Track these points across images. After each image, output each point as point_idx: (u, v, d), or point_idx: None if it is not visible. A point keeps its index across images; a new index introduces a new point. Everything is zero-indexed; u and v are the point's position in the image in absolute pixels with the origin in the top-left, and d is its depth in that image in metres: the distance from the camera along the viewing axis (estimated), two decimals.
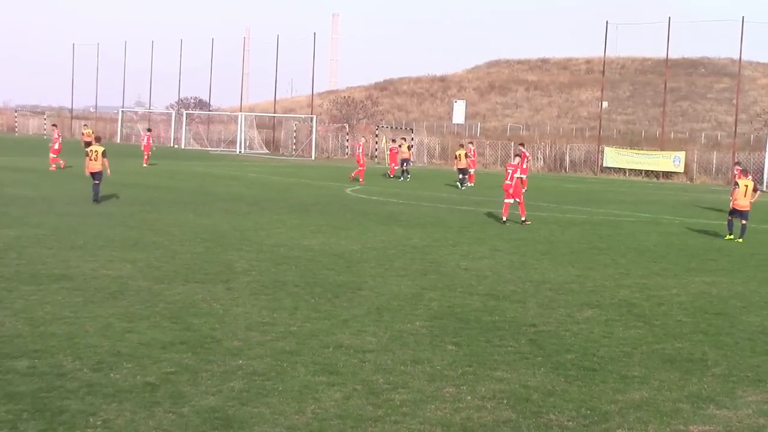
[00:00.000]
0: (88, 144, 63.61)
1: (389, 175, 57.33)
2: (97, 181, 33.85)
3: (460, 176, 51.65)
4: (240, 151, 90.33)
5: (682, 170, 69.39)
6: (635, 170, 71.27)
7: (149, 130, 71.44)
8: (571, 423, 10.32)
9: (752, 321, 16.34)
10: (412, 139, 62.30)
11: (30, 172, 47.28)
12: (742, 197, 30.12)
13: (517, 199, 32.20)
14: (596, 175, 71.37)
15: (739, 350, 14.08)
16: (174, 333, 13.66)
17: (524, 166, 51.08)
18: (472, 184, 51.89)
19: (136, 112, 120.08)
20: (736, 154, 65.71)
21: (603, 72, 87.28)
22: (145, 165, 58.78)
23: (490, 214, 34.88)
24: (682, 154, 70.76)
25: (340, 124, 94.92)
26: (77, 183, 42.06)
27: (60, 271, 18.50)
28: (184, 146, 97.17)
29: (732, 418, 10.74)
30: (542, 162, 76.89)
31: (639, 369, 12.71)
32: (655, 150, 74.57)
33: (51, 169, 50.67)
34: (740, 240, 29.46)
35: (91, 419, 9.81)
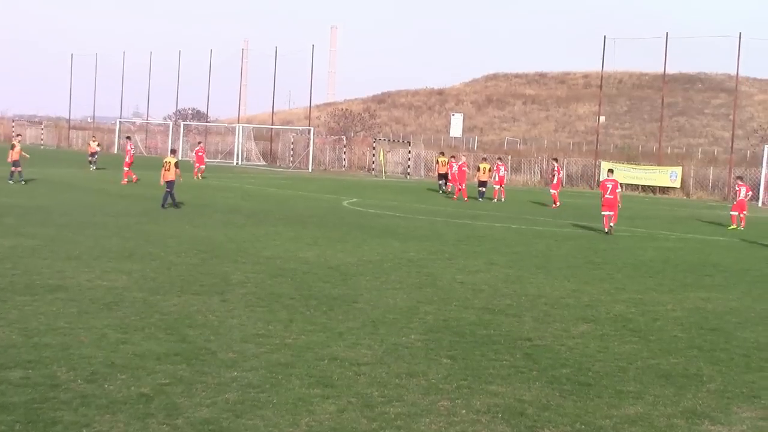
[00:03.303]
0: (94, 154, 64.36)
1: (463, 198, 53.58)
2: (169, 189, 37.22)
3: (480, 189, 53.58)
4: (237, 163, 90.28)
5: (678, 185, 69.58)
6: (632, 185, 71.30)
7: (200, 143, 72.74)
8: None
9: (747, 337, 16.35)
10: (498, 159, 61.38)
11: (26, 182, 47.12)
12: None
13: (612, 212, 35.19)
14: (593, 189, 71.07)
15: (734, 366, 14.08)
16: (169, 344, 13.64)
17: (554, 181, 51.44)
18: (504, 199, 52.96)
19: (133, 123, 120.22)
20: (733, 170, 65.87)
21: (600, 86, 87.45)
22: (197, 177, 59.26)
23: (486, 228, 34.92)
24: (678, 170, 70.96)
25: (337, 137, 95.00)
26: (72, 193, 42.18)
27: (55, 281, 18.48)
28: (182, 157, 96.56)
29: None
30: (539, 176, 76.98)
31: (634, 384, 12.70)
32: (651, 165, 74.74)
33: (123, 182, 50.96)
34: None
35: (84, 430, 9.77)
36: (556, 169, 52.87)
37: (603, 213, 35.63)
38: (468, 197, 52.21)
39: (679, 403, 11.90)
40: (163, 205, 36.69)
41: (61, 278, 18.85)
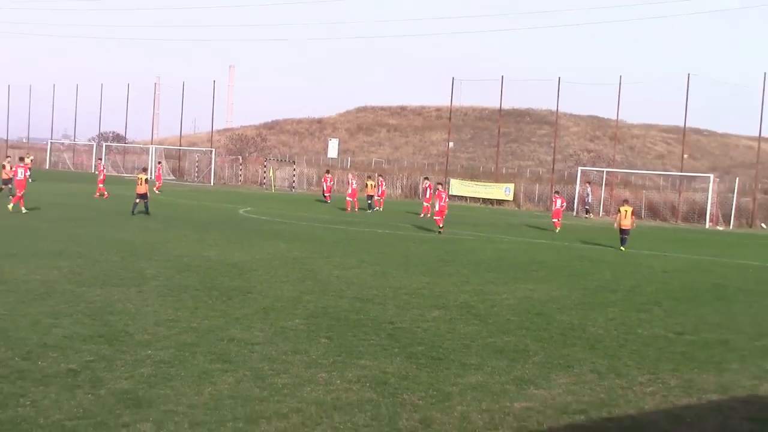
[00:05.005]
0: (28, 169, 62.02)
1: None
2: (141, 200, 38.14)
3: (370, 201, 53.50)
4: (150, 178, 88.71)
5: (511, 198, 70.55)
6: (475, 198, 72.11)
7: (159, 162, 72.23)
8: (421, 402, 10.44)
9: (564, 319, 16.76)
10: (379, 176, 61.08)
11: None
12: (624, 219, 33.82)
13: (438, 217, 37.38)
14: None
15: (553, 342, 14.42)
16: (93, 328, 13.41)
17: (427, 195, 51.36)
18: (379, 208, 53.50)
19: (62, 143, 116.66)
20: (553, 187, 67.25)
21: (450, 118, 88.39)
22: (157, 192, 58.06)
23: (358, 232, 35.02)
24: (511, 186, 71.98)
25: (234, 156, 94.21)
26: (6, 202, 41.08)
27: None
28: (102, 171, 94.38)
29: (547, 396, 11.01)
30: (400, 190, 77.33)
31: (475, 358, 12.91)
32: (490, 182, 75.64)
33: (95, 195, 49.52)
34: (623, 249, 33.25)
35: (21, 400, 9.58)
36: (428, 186, 52.77)
37: (437, 217, 37.55)
38: (358, 209, 52.05)
39: (510, 372, 12.14)
40: (133, 212, 37.35)
41: (0, 273, 18.36)
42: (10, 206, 35.25)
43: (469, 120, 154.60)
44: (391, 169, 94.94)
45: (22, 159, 38.90)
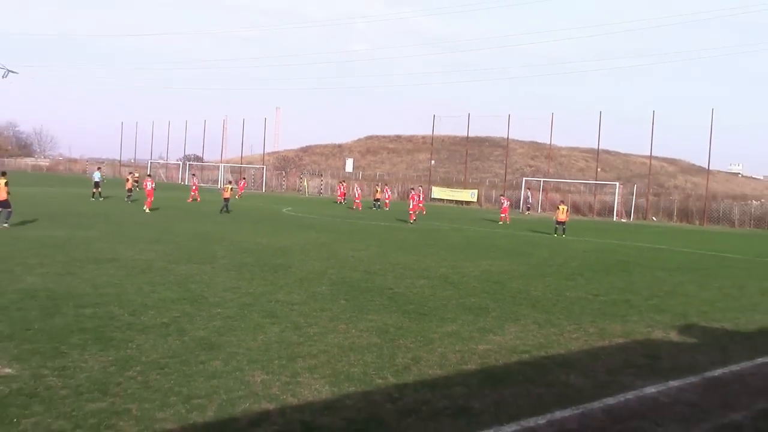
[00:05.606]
0: (136, 182, 61.33)
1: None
2: (226, 202, 38.03)
3: (376, 203, 53.42)
4: (220, 186, 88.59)
5: (475, 200, 70.60)
6: (449, 200, 72.13)
7: (244, 178, 72.37)
8: (412, 345, 10.43)
9: (514, 286, 16.72)
10: (385, 184, 60.90)
11: (98, 198, 45.63)
12: (561, 215, 33.81)
13: (414, 212, 38.46)
14: (428, 202, 71.71)
15: (506, 303, 14.39)
16: (179, 293, 13.39)
17: (418, 198, 51.28)
18: (387, 209, 52.68)
19: (158, 162, 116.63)
20: (505, 192, 67.24)
21: (432, 143, 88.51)
22: (238, 197, 57.37)
23: (366, 225, 35.00)
24: (475, 191, 72.02)
25: (279, 171, 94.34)
26: (122, 205, 41.08)
27: (111, 256, 17.96)
28: (187, 183, 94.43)
29: (501, 341, 10.99)
30: (396, 195, 77.31)
31: (451, 314, 12.89)
32: (460, 188, 75.67)
33: (188, 200, 48.43)
34: (564, 235, 33.00)
35: (129, 344, 9.58)
36: (416, 192, 52.55)
37: (412, 211, 38.62)
38: (362, 208, 52.02)
39: (476, 324, 12.13)
40: (221, 211, 37.15)
41: (115, 254, 18.35)
42: (147, 209, 35.70)
43: (445, 145, 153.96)
44: (390, 180, 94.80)
45: (149, 176, 39.31)
